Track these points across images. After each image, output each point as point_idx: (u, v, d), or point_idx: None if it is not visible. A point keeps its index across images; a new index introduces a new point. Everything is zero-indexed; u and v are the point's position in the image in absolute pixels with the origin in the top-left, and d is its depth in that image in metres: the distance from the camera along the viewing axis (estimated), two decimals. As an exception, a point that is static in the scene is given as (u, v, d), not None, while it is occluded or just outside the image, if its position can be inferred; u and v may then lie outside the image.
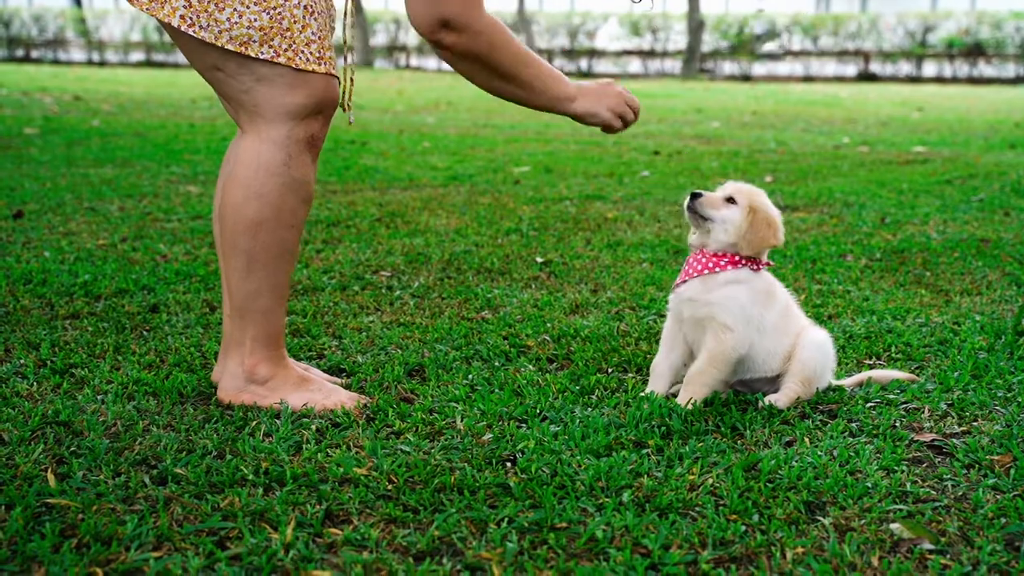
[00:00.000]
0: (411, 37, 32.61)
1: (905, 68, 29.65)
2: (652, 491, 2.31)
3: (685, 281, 2.94)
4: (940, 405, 2.91)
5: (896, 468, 2.48)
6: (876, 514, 2.23)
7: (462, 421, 2.73)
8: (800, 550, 2.07)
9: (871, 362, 3.38)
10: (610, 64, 31.53)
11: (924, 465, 2.53)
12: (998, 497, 2.32)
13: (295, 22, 2.67)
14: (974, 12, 30.11)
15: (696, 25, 29.24)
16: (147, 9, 2.62)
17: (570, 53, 31.73)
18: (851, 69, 30.19)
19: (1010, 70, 28.99)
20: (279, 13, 2.64)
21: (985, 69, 29.14)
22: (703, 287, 2.90)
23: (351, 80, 3.06)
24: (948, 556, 2.07)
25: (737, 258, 2.91)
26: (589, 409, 2.85)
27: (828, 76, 29.96)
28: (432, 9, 2.66)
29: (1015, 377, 3.13)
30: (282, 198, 2.73)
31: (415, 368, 3.23)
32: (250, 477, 2.34)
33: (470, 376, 3.12)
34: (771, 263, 3.00)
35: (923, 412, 2.87)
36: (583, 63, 31.58)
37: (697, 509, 2.25)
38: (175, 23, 2.62)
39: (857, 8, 33.98)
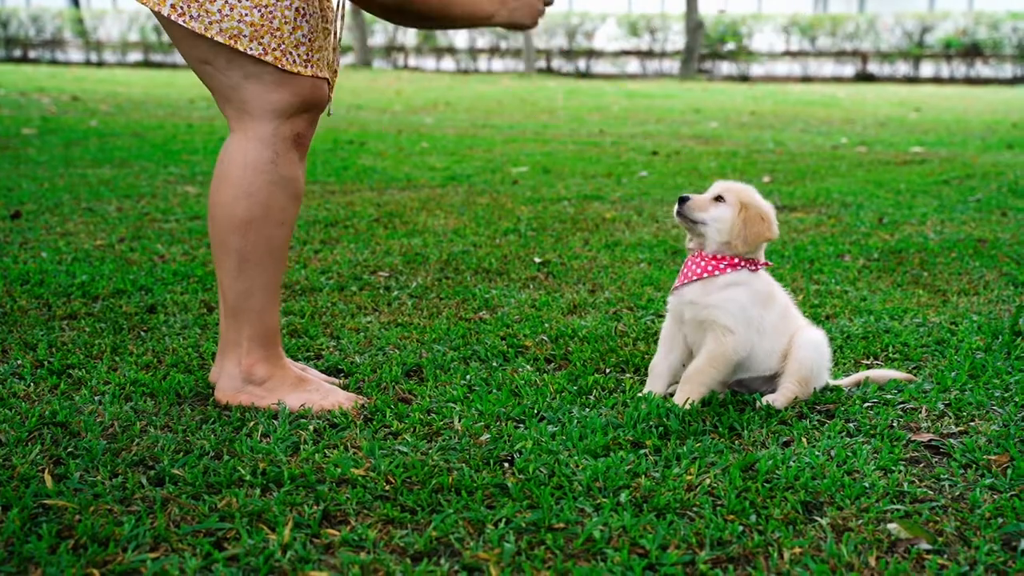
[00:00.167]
0: (409, 37, 32.61)
1: (903, 68, 29.66)
2: (650, 491, 2.31)
3: (684, 284, 2.93)
4: (937, 405, 2.91)
5: (893, 468, 2.48)
6: (873, 514, 2.23)
7: (460, 421, 2.73)
8: (797, 550, 2.07)
9: (868, 362, 3.38)
10: (608, 64, 31.52)
11: (921, 465, 2.53)
12: (995, 497, 2.32)
13: (286, 23, 2.67)
14: (971, 13, 30.13)
15: (694, 26, 29.24)
16: None
17: (568, 53, 31.72)
18: (849, 69, 30.20)
19: (1007, 70, 29.00)
20: (270, 12, 2.65)
21: (982, 69, 29.16)
22: (703, 290, 2.90)
23: (335, 72, 3.07)
24: (945, 556, 2.07)
25: (735, 260, 2.91)
26: (587, 409, 2.85)
27: (826, 76, 29.97)
28: None
29: (1012, 377, 3.14)
30: (271, 196, 2.74)
31: (413, 368, 3.23)
32: (247, 478, 2.34)
33: (468, 376, 3.12)
34: (769, 263, 3.00)
35: (920, 412, 2.88)
36: (581, 63, 31.57)
37: (695, 509, 2.25)
38: (165, 12, 2.63)
39: (855, 9, 33.99)
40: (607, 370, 3.25)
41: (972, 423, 2.79)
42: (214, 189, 2.77)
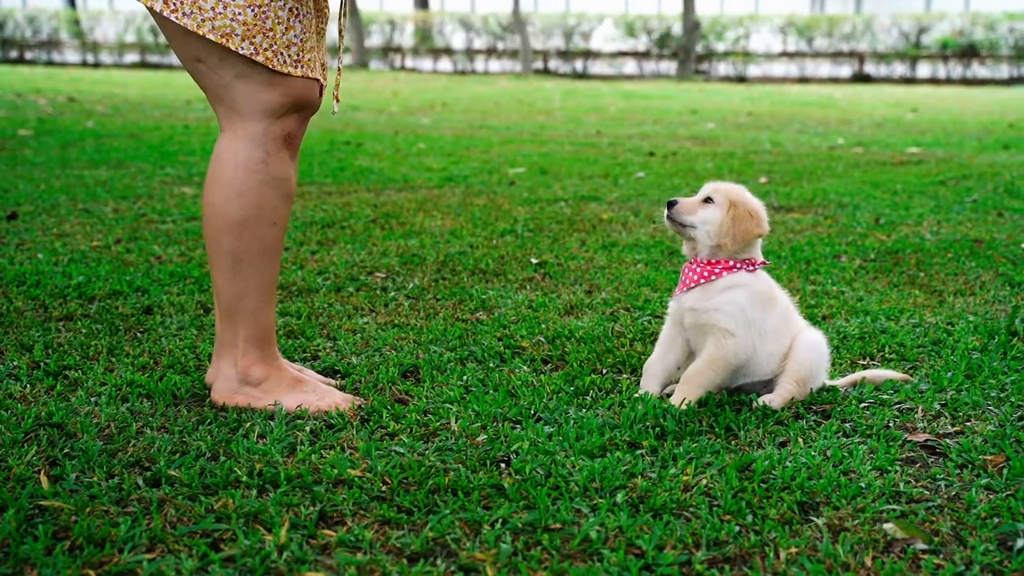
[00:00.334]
0: (406, 38, 32.61)
1: (899, 69, 29.69)
2: (646, 492, 2.31)
3: (685, 291, 2.93)
4: (933, 405, 2.91)
5: (889, 468, 2.48)
6: (869, 514, 2.23)
7: (456, 422, 2.73)
8: (794, 550, 2.07)
9: (865, 362, 3.39)
10: (605, 65, 31.53)
11: (917, 465, 2.53)
12: (991, 497, 2.33)
13: (279, 23, 2.68)
14: (968, 13, 30.16)
15: (691, 26, 29.26)
16: None
17: (565, 54, 31.73)
18: (845, 70, 30.22)
19: (1004, 71, 29.03)
20: (263, 12, 2.65)
21: (979, 70, 29.18)
22: (703, 294, 2.90)
23: (339, 70, 3.09)
24: (941, 556, 2.07)
25: (732, 263, 2.91)
26: (583, 410, 2.85)
27: (823, 77, 29.99)
28: None
29: (1008, 377, 3.14)
30: (262, 196, 2.74)
31: (409, 369, 3.23)
32: (244, 479, 2.34)
33: (464, 377, 3.12)
34: (767, 262, 3.00)
35: (917, 412, 2.88)
36: (578, 64, 31.58)
37: (691, 510, 2.25)
38: (158, 8, 2.63)
39: (851, 9, 34.03)
40: (604, 371, 3.25)
41: (968, 423, 2.80)
42: (207, 190, 2.78)
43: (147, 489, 2.29)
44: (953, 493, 2.36)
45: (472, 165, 8.62)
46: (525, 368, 3.24)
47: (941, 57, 29.43)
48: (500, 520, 2.18)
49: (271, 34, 2.67)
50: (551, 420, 2.76)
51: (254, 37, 2.66)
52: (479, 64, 32.41)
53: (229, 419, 2.72)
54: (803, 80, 29.45)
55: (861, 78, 29.50)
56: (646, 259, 4.93)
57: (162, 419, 2.72)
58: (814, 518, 2.22)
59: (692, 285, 2.91)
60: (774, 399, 2.90)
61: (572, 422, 2.72)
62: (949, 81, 28.91)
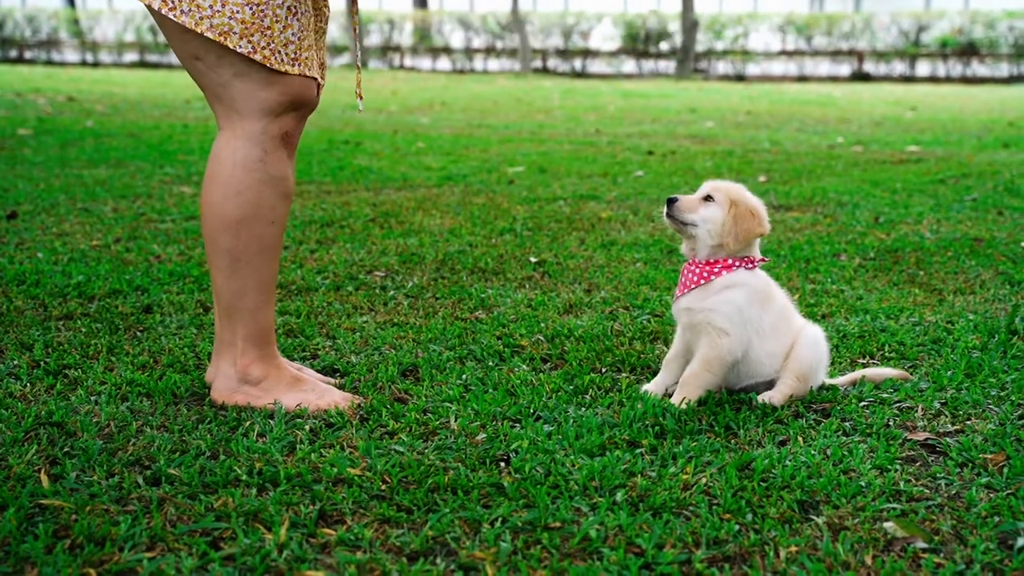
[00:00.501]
0: (405, 37, 32.60)
1: (899, 68, 29.69)
2: (646, 491, 2.31)
3: (684, 293, 2.93)
4: (933, 404, 2.91)
5: (889, 467, 2.48)
6: (869, 513, 2.23)
7: (456, 421, 2.73)
8: (794, 549, 2.07)
9: (865, 361, 3.39)
10: (604, 64, 31.52)
11: (917, 464, 2.53)
12: (991, 496, 2.33)
13: (277, 21, 2.67)
14: (967, 11, 30.15)
15: (690, 25, 29.25)
16: None
17: (564, 53, 31.72)
18: (845, 69, 30.22)
19: (1003, 69, 29.03)
20: (262, 11, 2.65)
21: (978, 68, 29.18)
22: (701, 295, 2.90)
23: (358, 68, 3.08)
24: (941, 555, 2.07)
25: (730, 261, 2.90)
26: (583, 409, 2.85)
27: (822, 76, 29.98)
28: None
29: (1008, 376, 3.14)
30: (261, 194, 2.74)
31: (409, 368, 3.23)
32: (244, 477, 2.34)
33: (464, 376, 3.12)
34: (765, 259, 3.00)
35: (916, 411, 2.88)
36: (577, 63, 31.57)
37: (691, 508, 2.25)
38: (156, 5, 2.63)
39: (851, 8, 34.01)
40: (603, 369, 3.25)
41: (968, 422, 2.80)
42: (205, 189, 2.78)
43: (147, 488, 2.29)
44: (953, 492, 2.36)
45: (471, 164, 8.62)
46: (524, 367, 3.24)
47: (941, 55, 29.43)
48: (500, 519, 2.18)
49: (269, 32, 2.67)
50: (550, 419, 2.76)
51: (252, 35, 2.65)
52: (478, 63, 32.40)
53: (229, 418, 2.72)
54: (802, 79, 29.45)
55: (860, 76, 29.50)
56: (645, 258, 4.93)
57: (162, 418, 2.72)
58: (814, 517, 2.22)
59: (692, 287, 2.91)
60: (774, 395, 2.90)
61: (571, 421, 2.72)
62: (949, 79, 28.91)
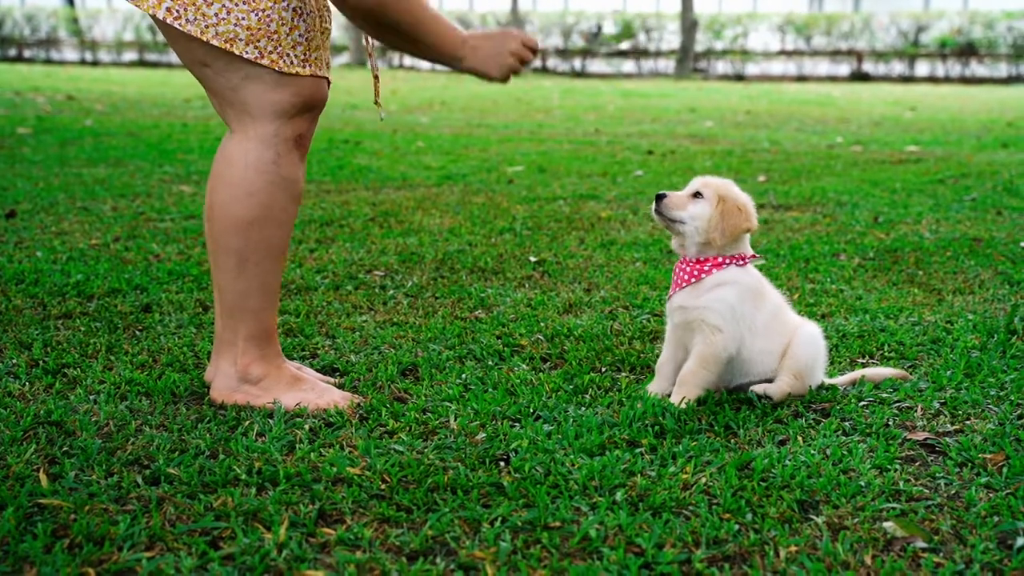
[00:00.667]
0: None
1: (898, 68, 29.70)
2: (645, 490, 2.31)
3: (676, 292, 2.93)
4: (933, 404, 2.91)
5: (889, 467, 2.48)
6: (869, 512, 2.23)
7: (455, 420, 2.73)
8: (793, 549, 2.07)
9: (864, 361, 3.39)
10: (603, 64, 31.53)
11: (917, 464, 2.53)
12: (991, 495, 2.33)
13: (283, 24, 2.67)
14: (966, 12, 30.16)
15: (689, 25, 29.25)
16: (133, 1, 2.63)
17: (564, 52, 31.72)
18: (844, 69, 30.23)
19: (1002, 70, 29.04)
20: (267, 15, 2.65)
21: (977, 69, 29.19)
22: (693, 293, 2.90)
23: (376, 78, 3.06)
24: (941, 554, 2.07)
25: (720, 259, 2.90)
26: (583, 408, 2.85)
27: (821, 76, 29.99)
28: None
29: (1008, 376, 3.14)
30: (272, 196, 2.73)
31: (408, 367, 3.23)
32: (243, 477, 2.34)
33: (463, 375, 3.12)
34: (757, 256, 2.99)
35: (916, 411, 2.88)
36: (576, 63, 31.57)
37: (690, 508, 2.25)
38: (160, 15, 2.62)
39: (850, 8, 34.02)
40: (603, 369, 3.25)
41: (968, 421, 2.80)
42: (212, 189, 2.76)
43: (146, 487, 2.29)
44: (953, 491, 2.36)
45: (471, 163, 8.62)
46: (524, 366, 3.24)
47: (940, 56, 29.44)
48: (499, 518, 2.18)
49: (275, 36, 2.66)
50: (550, 418, 2.75)
51: (258, 41, 2.65)
52: (477, 63, 32.33)
53: (228, 417, 2.72)
54: (801, 78, 29.45)
55: (859, 76, 29.51)
56: (645, 257, 4.93)
57: (161, 417, 2.72)
58: (814, 516, 2.22)
59: (684, 285, 2.91)
60: (770, 388, 2.90)
61: (571, 420, 2.72)
62: (948, 79, 28.92)
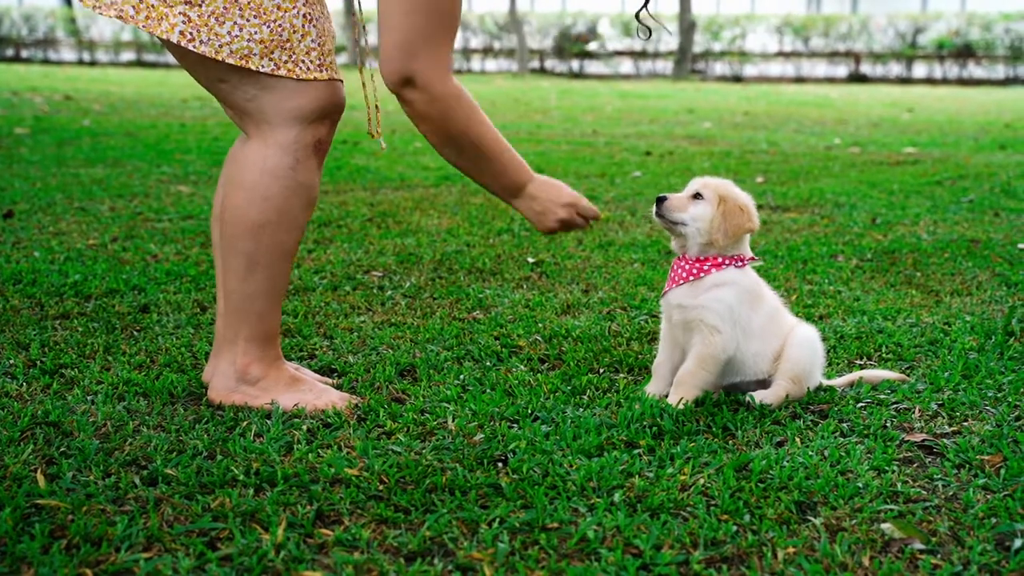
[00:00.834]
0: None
1: (895, 69, 29.72)
2: (643, 491, 2.31)
3: (672, 288, 2.93)
4: (931, 405, 2.91)
5: (887, 468, 2.48)
6: (867, 514, 2.23)
7: (453, 421, 2.72)
8: (791, 550, 2.07)
9: (862, 362, 3.39)
10: (601, 65, 31.54)
11: (915, 465, 2.53)
12: (988, 497, 2.33)
13: (295, 32, 2.67)
14: (964, 14, 30.20)
15: (688, 26, 29.27)
16: (144, 26, 2.61)
17: (561, 53, 31.73)
18: (842, 70, 30.25)
19: (1000, 71, 29.07)
20: (279, 25, 2.64)
21: (975, 70, 29.22)
22: (691, 292, 2.90)
23: (376, 108, 3.04)
24: (939, 556, 2.07)
25: (720, 259, 2.90)
26: (580, 409, 2.84)
27: (819, 77, 30.01)
28: (401, 64, 2.68)
29: (1005, 377, 3.14)
30: (287, 201, 2.73)
31: (406, 368, 3.23)
32: (241, 478, 2.34)
33: (461, 376, 3.12)
34: (756, 258, 2.99)
35: (914, 412, 2.88)
36: (574, 64, 31.58)
37: (688, 509, 2.25)
38: (174, 39, 2.61)
39: (848, 9, 34.05)
40: (601, 370, 3.25)
41: (965, 423, 2.80)
42: (226, 193, 2.76)
43: (144, 488, 2.28)
44: (951, 493, 2.36)
45: (469, 164, 8.60)
46: (522, 367, 3.24)
47: (937, 57, 29.47)
48: (497, 519, 2.18)
49: (288, 45, 2.66)
50: (548, 419, 2.75)
51: (272, 52, 2.65)
52: (475, 63, 32.40)
53: (226, 418, 2.72)
54: (799, 80, 29.48)
55: (857, 78, 29.53)
56: (643, 258, 4.93)
57: (159, 418, 2.72)
58: (812, 518, 2.22)
59: (681, 282, 2.91)
60: (768, 395, 2.90)
61: (569, 421, 2.72)
62: (945, 81, 28.95)
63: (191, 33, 2.61)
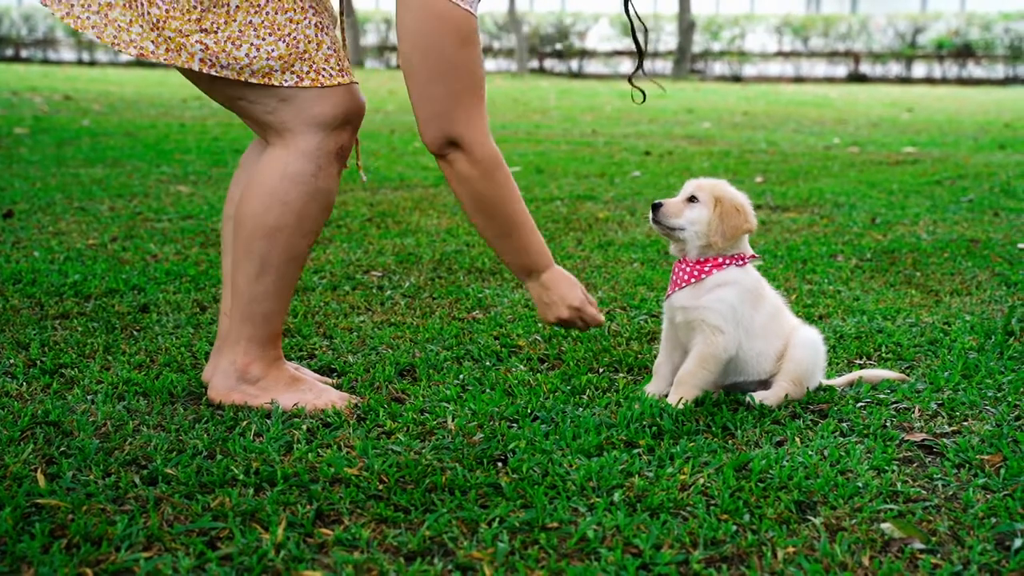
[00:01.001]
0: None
1: (895, 69, 29.74)
2: (643, 491, 2.31)
3: (675, 291, 2.93)
4: (930, 405, 2.91)
5: (887, 468, 2.48)
6: (867, 514, 2.23)
7: (453, 421, 2.72)
8: (791, 550, 2.07)
9: (861, 362, 3.39)
10: (600, 65, 31.55)
11: (914, 465, 2.54)
12: (988, 496, 2.33)
13: (310, 42, 2.68)
14: (963, 13, 30.21)
15: (687, 26, 29.27)
16: (165, 59, 2.62)
17: (561, 54, 31.73)
18: (841, 70, 30.27)
19: (999, 71, 29.09)
20: (294, 39, 2.65)
21: (974, 70, 29.24)
22: (694, 293, 2.90)
23: (357, 141, 3.03)
24: (938, 555, 2.07)
25: (720, 259, 2.90)
26: (580, 409, 2.84)
27: (818, 77, 30.03)
28: (440, 131, 2.70)
29: (1005, 377, 3.14)
30: (306, 207, 2.74)
31: (406, 368, 3.23)
32: (241, 477, 2.34)
33: (461, 376, 3.12)
34: (756, 256, 2.99)
35: (913, 412, 2.88)
36: (574, 64, 31.57)
37: (688, 509, 2.25)
38: (196, 67, 2.63)
39: (847, 9, 34.06)
40: (600, 370, 3.25)
41: (965, 423, 2.80)
42: (244, 196, 2.76)
43: (144, 487, 2.28)
44: (950, 493, 2.37)
45: (468, 164, 8.60)
46: (522, 367, 3.24)
47: (937, 57, 29.48)
48: (497, 519, 2.18)
49: (306, 55, 2.67)
50: (548, 419, 2.75)
51: (292, 66, 2.66)
52: (475, 63, 32.34)
53: (226, 417, 2.72)
54: (799, 80, 29.48)
55: (857, 78, 29.54)
56: (642, 258, 4.93)
57: (158, 417, 2.72)
58: (811, 517, 2.22)
59: (683, 285, 2.91)
60: (768, 396, 2.90)
61: (569, 421, 2.72)
62: (945, 81, 28.96)
63: (211, 60, 2.62)
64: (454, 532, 2.12)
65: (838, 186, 7.50)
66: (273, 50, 2.64)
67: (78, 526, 2.07)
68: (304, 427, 2.66)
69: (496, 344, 3.45)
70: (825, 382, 3.05)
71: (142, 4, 2.60)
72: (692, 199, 2.91)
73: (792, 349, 2.93)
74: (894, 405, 2.93)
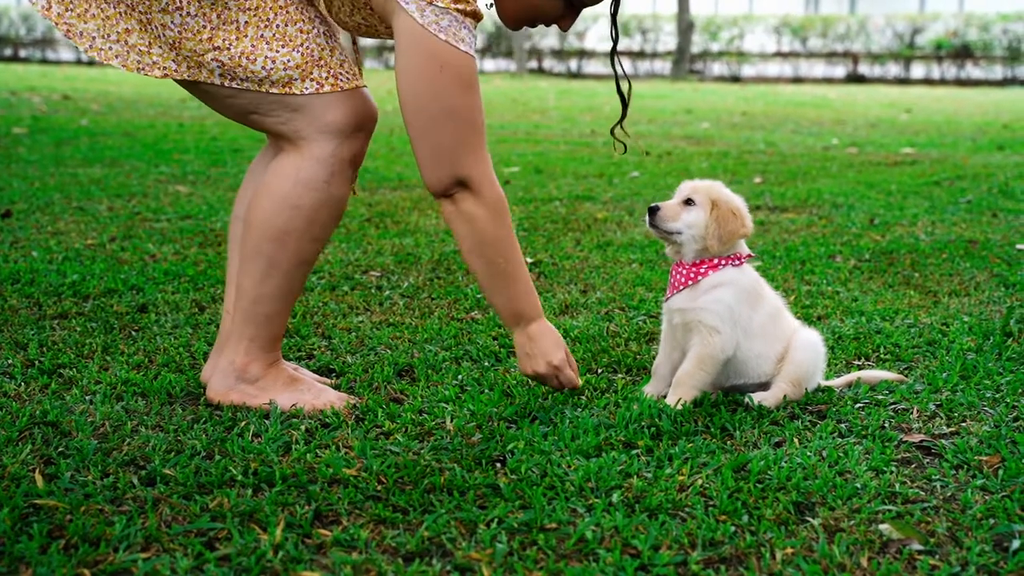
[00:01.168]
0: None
1: (893, 70, 29.74)
2: (642, 492, 2.31)
3: (674, 294, 2.93)
4: (929, 406, 2.91)
5: (885, 469, 2.48)
6: (865, 515, 2.23)
7: (452, 421, 2.72)
8: (789, 551, 2.07)
9: (860, 363, 3.39)
10: (600, 65, 31.54)
11: (913, 466, 2.54)
12: (987, 498, 2.33)
13: (323, 49, 2.69)
14: (962, 14, 30.22)
15: (686, 26, 29.27)
16: (189, 76, 2.64)
17: (559, 54, 31.73)
18: (840, 71, 30.27)
19: (997, 72, 29.10)
20: (307, 48, 2.66)
21: (973, 71, 29.25)
22: (691, 295, 2.90)
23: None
24: (937, 556, 2.07)
25: (717, 260, 2.90)
26: (579, 410, 2.85)
27: (817, 77, 30.03)
28: (447, 172, 2.68)
29: (1003, 378, 3.14)
30: (317, 212, 2.74)
31: (405, 368, 3.23)
32: (239, 478, 2.34)
33: (460, 376, 3.12)
34: (753, 255, 2.99)
35: (912, 413, 2.88)
36: (572, 64, 31.57)
37: (687, 510, 2.25)
38: (216, 82, 2.64)
39: (846, 10, 34.07)
40: (599, 370, 3.25)
41: (963, 424, 2.80)
42: (255, 200, 2.77)
43: (142, 488, 2.28)
44: (949, 494, 2.37)
45: (467, 164, 8.60)
46: (520, 367, 3.24)
47: (935, 58, 29.49)
48: (496, 520, 2.18)
49: (322, 62, 2.69)
50: (546, 420, 2.75)
51: (311, 73, 2.67)
52: (474, 63, 32.35)
53: (224, 418, 2.72)
54: (797, 80, 29.49)
55: (855, 78, 29.55)
56: (641, 259, 4.93)
57: (157, 418, 2.72)
58: (810, 518, 2.22)
59: (681, 287, 2.91)
60: (767, 397, 2.90)
61: (567, 422, 2.72)
62: (943, 82, 28.97)
63: (230, 74, 2.64)
64: (452, 533, 2.12)
65: (836, 187, 7.50)
66: (289, 60, 2.65)
67: (76, 526, 2.07)
68: (303, 427, 2.66)
69: (495, 344, 3.45)
70: (824, 383, 3.05)
71: (157, 27, 2.61)
72: (688, 202, 2.90)
73: (792, 351, 2.93)
74: (892, 406, 2.93)
